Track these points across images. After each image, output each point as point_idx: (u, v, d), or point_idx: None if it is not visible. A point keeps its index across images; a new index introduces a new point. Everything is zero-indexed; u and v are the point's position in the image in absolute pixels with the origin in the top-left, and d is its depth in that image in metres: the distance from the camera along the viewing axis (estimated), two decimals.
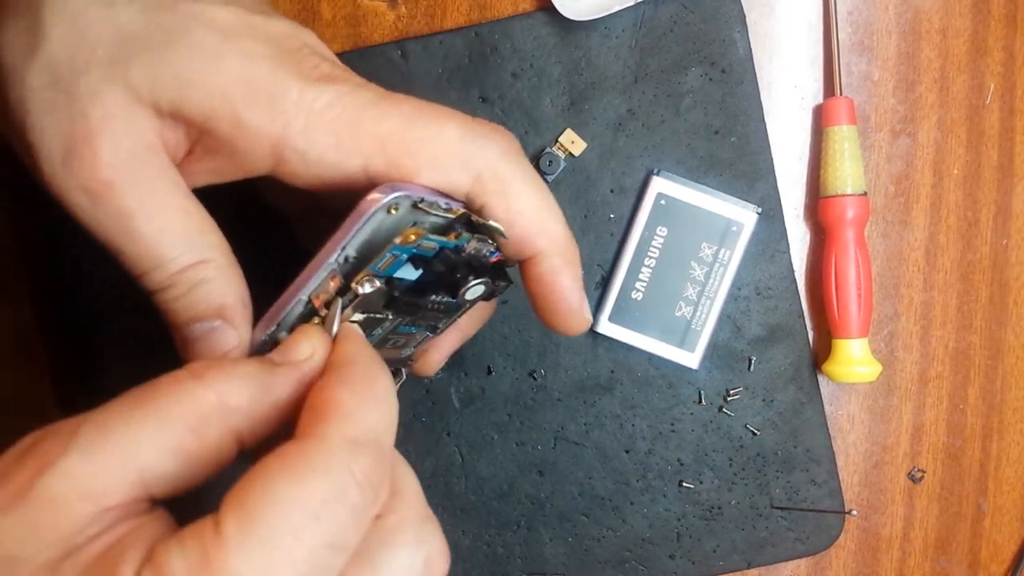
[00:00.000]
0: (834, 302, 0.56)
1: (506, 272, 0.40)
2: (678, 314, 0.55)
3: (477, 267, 0.38)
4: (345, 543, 0.28)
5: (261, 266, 0.39)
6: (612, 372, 0.57)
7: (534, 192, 0.39)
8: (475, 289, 0.38)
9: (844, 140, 0.56)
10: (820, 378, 0.57)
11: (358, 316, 0.36)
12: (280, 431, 0.32)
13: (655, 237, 0.55)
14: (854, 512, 0.58)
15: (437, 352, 0.47)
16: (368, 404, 0.31)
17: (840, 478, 0.57)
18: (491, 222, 0.38)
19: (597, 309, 0.56)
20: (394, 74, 0.55)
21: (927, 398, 0.59)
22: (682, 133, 0.56)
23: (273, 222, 0.48)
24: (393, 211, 0.35)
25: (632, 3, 0.54)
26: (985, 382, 0.59)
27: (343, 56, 0.55)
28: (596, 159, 0.56)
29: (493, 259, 0.39)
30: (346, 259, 0.35)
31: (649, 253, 0.55)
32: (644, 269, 0.55)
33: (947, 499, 0.59)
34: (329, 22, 0.56)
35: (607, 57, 0.55)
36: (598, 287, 0.56)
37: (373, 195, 0.35)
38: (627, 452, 0.57)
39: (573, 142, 0.55)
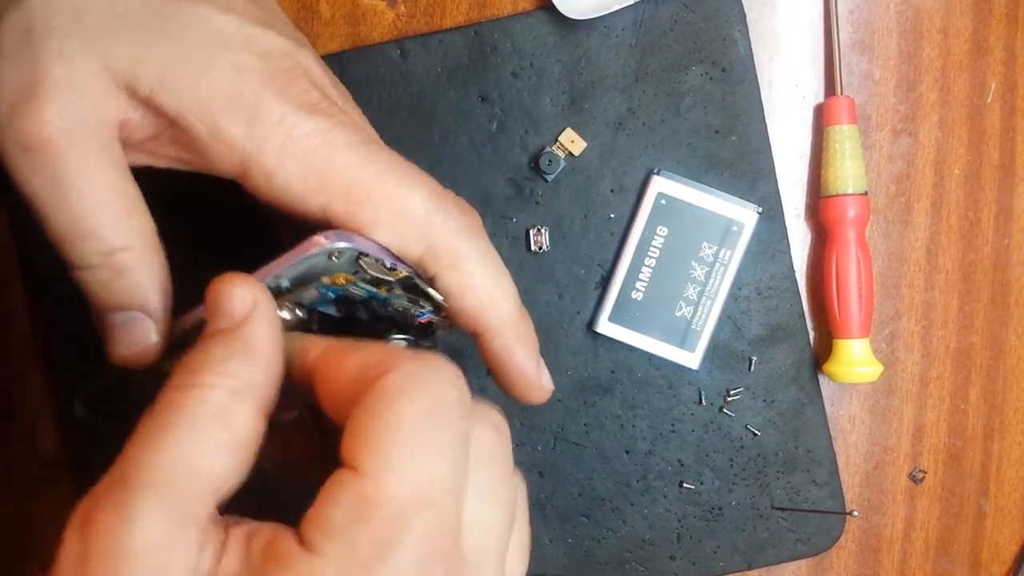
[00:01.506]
0: (835, 302, 0.56)
1: (434, 335, 0.40)
2: (678, 314, 0.55)
3: (402, 324, 0.39)
4: (465, 432, 0.31)
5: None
6: (612, 372, 0.56)
7: (487, 271, 0.39)
8: (397, 344, 0.38)
9: (845, 139, 0.55)
10: (821, 378, 0.57)
11: None
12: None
13: (655, 237, 0.55)
14: (855, 513, 0.58)
15: None
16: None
17: (841, 479, 0.57)
18: (432, 291, 0.38)
19: (597, 309, 0.56)
20: (393, 73, 0.55)
21: (928, 398, 0.59)
22: (682, 132, 0.55)
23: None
24: (335, 257, 0.35)
25: (632, 2, 0.54)
26: (986, 382, 0.59)
27: (342, 55, 0.55)
28: (596, 158, 0.55)
29: (422, 319, 0.39)
30: (278, 286, 0.36)
31: (649, 253, 0.55)
32: (644, 269, 0.55)
33: (948, 500, 0.59)
34: (328, 21, 0.56)
35: (607, 56, 0.55)
36: (598, 287, 0.56)
37: (319, 238, 0.35)
38: (627, 453, 0.57)
39: (573, 141, 0.55)
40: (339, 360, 0.32)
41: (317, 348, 0.33)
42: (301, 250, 0.35)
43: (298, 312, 0.36)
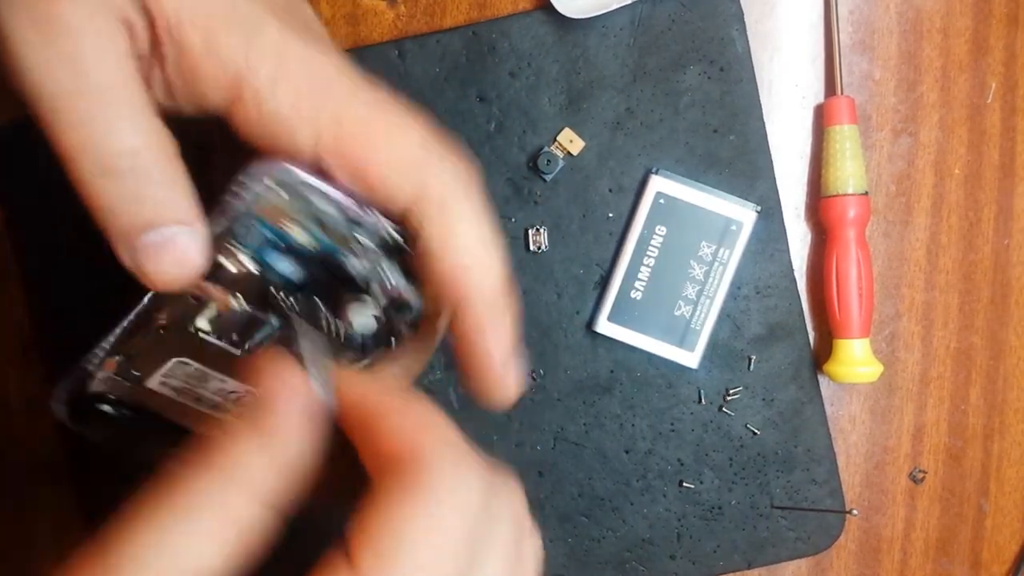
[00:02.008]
0: (835, 302, 0.56)
1: (410, 312, 0.37)
2: (677, 313, 0.55)
3: (373, 293, 0.36)
4: (475, 555, 0.30)
5: None
6: (611, 372, 0.56)
7: (477, 233, 0.35)
8: (361, 313, 0.35)
9: (845, 140, 0.55)
10: (821, 378, 0.57)
11: (244, 305, 0.35)
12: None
13: (654, 236, 0.55)
14: (855, 512, 0.58)
15: None
16: (442, 423, 0.32)
17: (841, 479, 0.57)
18: (398, 237, 0.36)
19: (596, 309, 0.56)
20: (392, 74, 0.55)
21: (928, 398, 0.58)
22: (681, 132, 0.56)
23: None
24: (277, 188, 0.34)
25: (630, 1, 0.54)
26: (986, 382, 0.58)
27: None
28: (595, 158, 0.56)
29: (392, 290, 0.36)
30: (223, 230, 0.34)
31: (648, 252, 0.55)
32: (643, 268, 0.55)
33: (948, 500, 0.59)
34: (328, 20, 0.56)
35: (605, 56, 0.55)
36: (597, 287, 0.56)
37: (258, 163, 0.34)
38: (627, 452, 0.57)
39: (571, 141, 0.55)
40: (374, 420, 0.31)
41: (352, 393, 0.32)
42: (238, 179, 0.33)
43: (248, 264, 0.34)
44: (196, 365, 0.37)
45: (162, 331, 0.36)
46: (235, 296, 0.35)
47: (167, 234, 0.33)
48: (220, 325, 0.36)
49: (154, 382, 0.37)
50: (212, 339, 0.36)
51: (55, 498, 0.58)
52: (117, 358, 0.37)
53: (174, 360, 0.37)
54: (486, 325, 0.36)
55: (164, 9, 0.32)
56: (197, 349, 0.37)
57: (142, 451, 0.37)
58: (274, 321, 0.36)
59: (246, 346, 0.36)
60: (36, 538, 0.58)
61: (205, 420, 0.37)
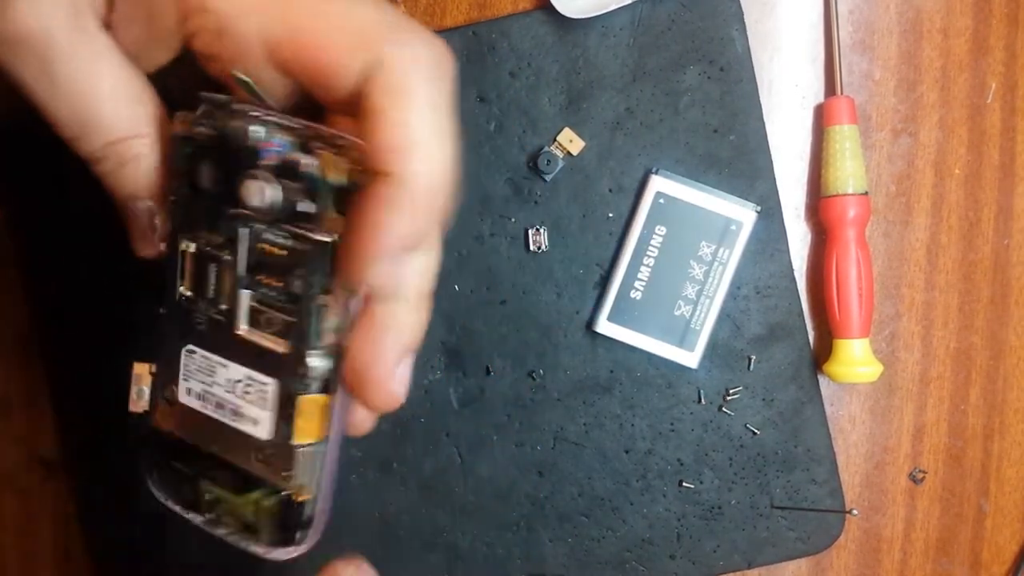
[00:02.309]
0: (835, 302, 0.56)
1: (315, 181, 0.34)
2: (677, 313, 0.55)
3: (264, 160, 0.34)
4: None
5: None
6: (611, 372, 0.56)
7: (421, 118, 0.32)
8: (255, 188, 0.34)
9: (845, 139, 0.55)
10: (821, 378, 0.57)
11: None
12: None
13: (654, 236, 0.55)
14: (855, 512, 0.58)
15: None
16: None
17: (841, 479, 0.57)
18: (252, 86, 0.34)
19: (596, 309, 0.56)
20: None
21: (928, 398, 0.58)
22: (681, 132, 0.56)
23: None
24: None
25: (629, 1, 0.54)
26: (986, 382, 0.58)
27: None
28: (594, 158, 0.56)
29: (279, 155, 0.34)
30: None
31: (648, 252, 0.55)
32: (643, 268, 0.55)
33: (948, 500, 0.59)
34: None
35: (605, 56, 0.55)
36: (597, 287, 0.56)
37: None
38: (627, 452, 0.57)
39: (571, 141, 0.55)
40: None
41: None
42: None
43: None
44: (200, 352, 0.37)
45: (162, 313, 0.38)
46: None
47: (143, 206, 0.37)
48: (197, 284, 0.37)
49: (182, 393, 0.38)
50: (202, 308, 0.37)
51: (55, 496, 0.58)
52: (151, 368, 0.39)
53: (184, 352, 0.38)
54: (398, 202, 0.32)
55: None
56: (198, 335, 0.37)
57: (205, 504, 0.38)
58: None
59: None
60: (36, 536, 0.58)
61: (233, 444, 0.37)
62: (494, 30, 0.55)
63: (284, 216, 0.34)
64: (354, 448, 0.56)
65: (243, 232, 0.35)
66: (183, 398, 0.38)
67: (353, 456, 0.56)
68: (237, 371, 0.36)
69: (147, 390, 0.39)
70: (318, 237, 0.34)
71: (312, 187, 0.34)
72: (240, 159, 0.34)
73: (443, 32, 0.55)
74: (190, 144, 0.36)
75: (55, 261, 0.55)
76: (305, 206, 0.34)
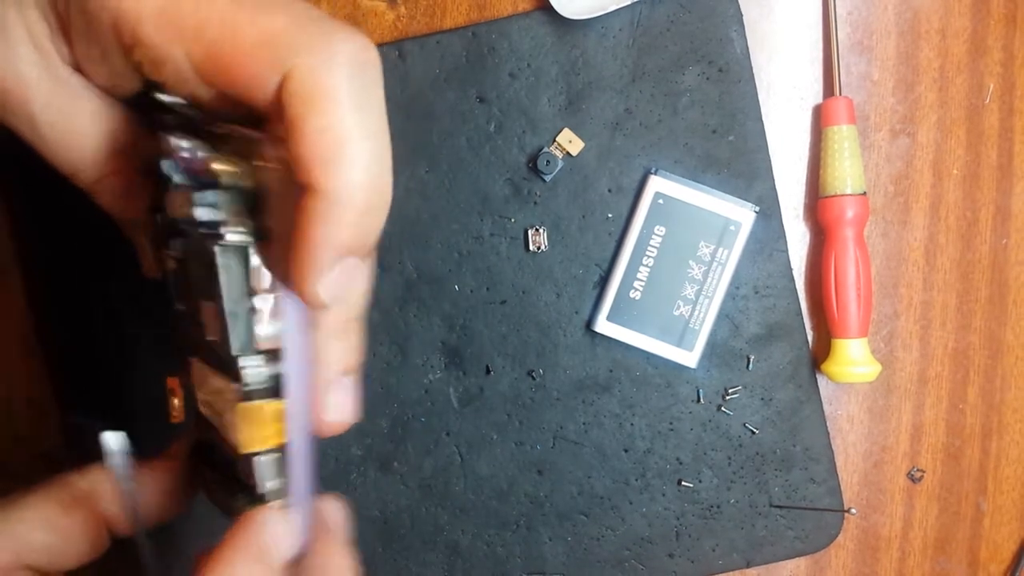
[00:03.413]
0: (833, 302, 0.56)
1: (231, 188, 0.33)
2: (676, 313, 0.55)
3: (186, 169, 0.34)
4: None
5: None
6: (611, 371, 0.57)
7: (349, 120, 0.31)
8: (172, 200, 0.34)
9: (844, 140, 0.56)
10: (820, 378, 0.57)
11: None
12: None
13: (653, 236, 0.55)
14: (853, 511, 0.58)
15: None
16: None
17: (840, 478, 0.57)
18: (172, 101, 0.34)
19: (595, 308, 0.56)
20: (392, 74, 0.55)
21: (926, 398, 0.59)
22: (680, 132, 0.56)
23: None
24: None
25: (629, 2, 0.54)
26: (984, 382, 0.59)
27: None
28: (594, 159, 0.56)
29: (196, 160, 0.33)
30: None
31: (647, 252, 0.55)
32: (642, 268, 0.55)
33: (946, 499, 0.59)
34: None
35: (604, 56, 0.55)
36: (596, 286, 0.56)
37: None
38: (626, 451, 0.57)
39: (571, 141, 0.55)
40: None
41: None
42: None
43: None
44: (197, 363, 0.37)
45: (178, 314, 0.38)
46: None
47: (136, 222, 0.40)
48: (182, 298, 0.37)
49: (201, 404, 0.38)
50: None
51: None
52: (180, 380, 0.40)
53: (191, 363, 0.38)
54: (327, 217, 0.31)
55: None
56: (193, 346, 0.37)
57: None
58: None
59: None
60: None
61: (227, 452, 0.37)
62: (494, 31, 0.55)
63: (205, 224, 0.33)
64: (354, 447, 0.56)
65: (183, 244, 0.35)
66: (202, 408, 0.38)
67: (353, 455, 0.56)
68: (218, 380, 0.36)
69: (178, 403, 0.42)
70: (227, 242, 0.33)
71: (219, 192, 0.33)
72: (162, 173, 0.33)
73: (443, 33, 0.56)
74: (146, 164, 0.36)
75: (55, 262, 0.55)
76: (213, 213, 0.33)
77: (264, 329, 0.34)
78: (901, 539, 0.59)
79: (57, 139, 0.36)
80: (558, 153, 0.55)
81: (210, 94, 0.33)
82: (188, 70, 0.32)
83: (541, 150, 0.55)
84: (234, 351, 0.34)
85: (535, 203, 0.56)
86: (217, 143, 0.34)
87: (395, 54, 0.55)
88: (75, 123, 0.36)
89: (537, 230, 0.56)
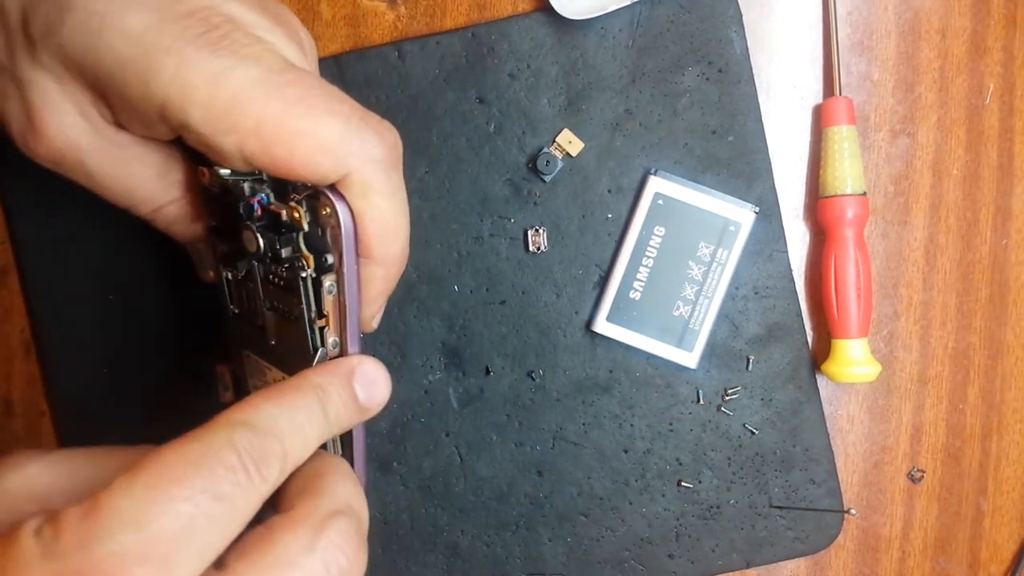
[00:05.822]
0: (833, 302, 0.56)
1: (296, 229, 0.40)
2: (676, 314, 0.55)
3: (262, 216, 0.41)
4: None
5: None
6: (610, 372, 0.57)
7: (390, 207, 0.39)
8: (248, 238, 0.40)
9: (844, 140, 0.56)
10: (820, 378, 0.57)
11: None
12: None
13: (653, 237, 0.55)
14: (853, 511, 0.58)
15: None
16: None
17: (840, 478, 0.57)
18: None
19: (595, 309, 0.56)
20: (392, 75, 0.55)
21: (927, 398, 0.59)
22: (679, 133, 0.56)
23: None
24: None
25: (628, 2, 0.54)
26: (985, 382, 0.59)
27: (340, 57, 0.55)
28: (593, 159, 0.56)
29: (263, 205, 0.40)
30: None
31: (647, 253, 0.55)
32: (642, 269, 0.55)
33: (947, 499, 0.59)
34: (329, 22, 0.56)
35: (604, 57, 0.55)
36: (596, 287, 0.56)
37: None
38: (626, 452, 0.57)
39: (570, 142, 0.55)
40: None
41: None
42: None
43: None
44: (253, 356, 0.45)
45: (225, 325, 0.47)
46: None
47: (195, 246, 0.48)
48: (240, 303, 0.45)
49: (251, 389, 0.47)
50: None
51: None
52: (230, 367, 0.51)
53: (244, 356, 0.46)
54: (377, 278, 0.41)
55: (90, 80, 0.38)
56: (249, 342, 0.45)
57: None
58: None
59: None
60: None
61: None
62: (493, 31, 0.55)
63: (273, 256, 0.40)
64: None
65: (254, 267, 0.42)
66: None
67: None
68: (276, 373, 0.44)
69: (229, 387, 0.55)
70: (301, 274, 0.39)
71: (289, 233, 0.39)
72: (238, 210, 0.40)
73: (443, 33, 0.56)
74: (208, 194, 0.43)
75: (57, 261, 0.55)
76: (285, 250, 0.39)
77: (330, 341, 0.41)
78: (901, 539, 0.59)
79: (112, 186, 0.42)
80: (558, 153, 0.55)
81: (246, 166, 0.38)
82: (235, 155, 0.37)
83: (541, 150, 0.55)
84: (310, 361, 0.41)
85: (535, 203, 0.56)
86: (276, 185, 0.41)
87: (395, 54, 0.55)
88: (127, 170, 0.42)
89: (537, 230, 0.56)
